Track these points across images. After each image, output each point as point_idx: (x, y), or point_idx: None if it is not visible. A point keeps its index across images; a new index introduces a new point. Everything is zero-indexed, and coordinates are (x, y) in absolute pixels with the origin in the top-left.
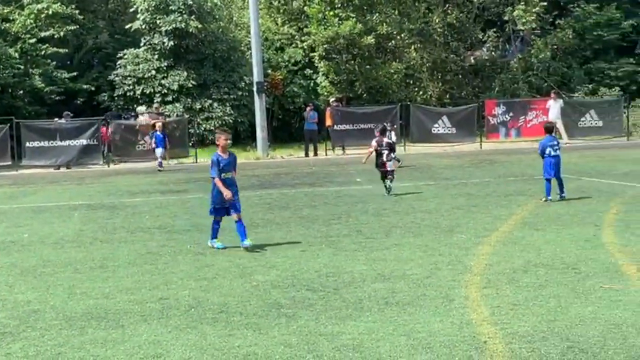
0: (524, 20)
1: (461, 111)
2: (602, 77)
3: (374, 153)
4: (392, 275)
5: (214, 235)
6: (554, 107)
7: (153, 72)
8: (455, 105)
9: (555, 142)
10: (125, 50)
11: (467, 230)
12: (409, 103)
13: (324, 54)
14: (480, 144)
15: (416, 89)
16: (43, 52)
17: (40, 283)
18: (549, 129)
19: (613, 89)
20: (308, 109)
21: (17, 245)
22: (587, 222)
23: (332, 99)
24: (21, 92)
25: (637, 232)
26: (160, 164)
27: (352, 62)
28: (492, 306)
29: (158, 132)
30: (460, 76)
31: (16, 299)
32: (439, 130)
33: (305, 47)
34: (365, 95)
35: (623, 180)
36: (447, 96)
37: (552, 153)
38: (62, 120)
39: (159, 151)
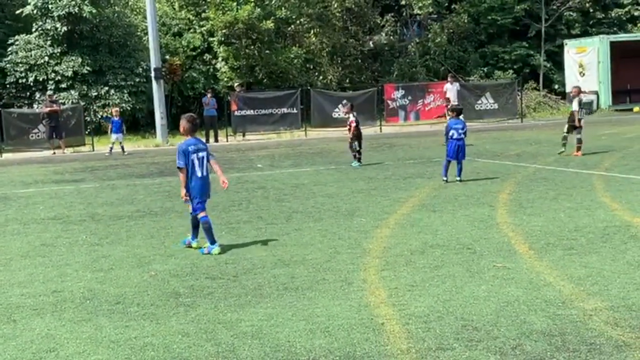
0: (420, 4)
1: (361, 95)
2: (496, 61)
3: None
4: (291, 261)
5: (213, 239)
6: (450, 91)
7: (46, 58)
8: (355, 89)
9: (461, 126)
10: (16, 37)
11: (366, 214)
12: (309, 88)
13: (223, 39)
14: (380, 128)
15: (316, 73)
16: None
17: None
18: (458, 111)
19: (507, 72)
20: (208, 95)
21: None
22: (482, 202)
23: (236, 84)
24: None
25: (529, 211)
26: (111, 150)
27: (252, 47)
28: (389, 288)
29: (115, 118)
30: (359, 61)
31: None
32: (339, 114)
33: (204, 32)
34: (265, 80)
35: (516, 161)
36: (347, 80)
37: (455, 136)
38: None
39: (114, 136)
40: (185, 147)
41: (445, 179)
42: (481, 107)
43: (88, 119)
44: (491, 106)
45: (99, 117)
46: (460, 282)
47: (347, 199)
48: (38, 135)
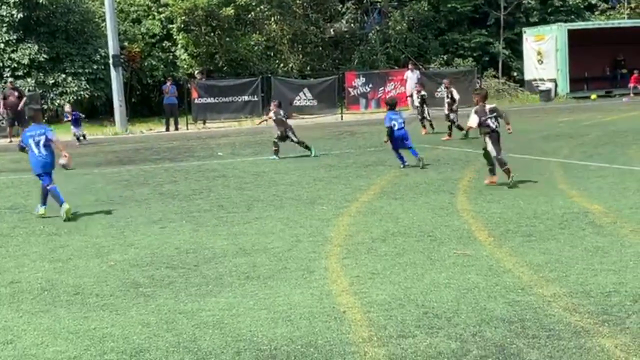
0: None
1: (322, 83)
2: (456, 48)
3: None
4: (253, 250)
5: (61, 200)
6: (411, 79)
7: (2, 45)
8: (316, 77)
9: (399, 117)
10: None
11: (327, 202)
12: (270, 75)
13: (182, 26)
14: (341, 116)
15: (277, 61)
16: None
17: None
18: (393, 104)
19: (467, 60)
20: (168, 82)
21: None
22: (443, 190)
23: (196, 72)
24: None
25: (489, 198)
26: (79, 139)
27: (212, 34)
28: (351, 276)
29: (68, 115)
30: (320, 48)
31: None
32: (300, 102)
33: (163, 18)
34: (226, 67)
35: (476, 149)
36: (308, 68)
37: (397, 126)
38: None
39: (76, 130)
40: (25, 133)
41: (403, 165)
42: (441, 94)
43: (45, 107)
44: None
45: (57, 105)
46: (421, 270)
47: (308, 187)
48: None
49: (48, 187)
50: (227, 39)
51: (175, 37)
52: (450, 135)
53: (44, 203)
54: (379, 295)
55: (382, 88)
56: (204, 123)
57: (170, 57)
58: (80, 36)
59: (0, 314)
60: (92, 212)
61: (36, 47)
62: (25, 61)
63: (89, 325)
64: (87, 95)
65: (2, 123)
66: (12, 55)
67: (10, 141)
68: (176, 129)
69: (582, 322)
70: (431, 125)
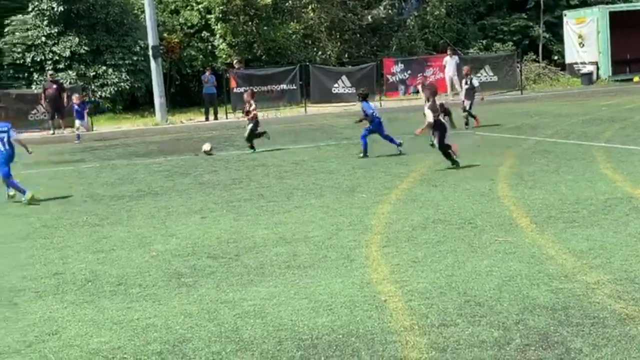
0: None
1: (360, 70)
2: (495, 33)
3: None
4: (293, 239)
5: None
6: (450, 64)
7: (43, 38)
8: (354, 64)
9: (370, 108)
10: (12, 17)
11: (367, 190)
12: (308, 63)
13: (220, 15)
14: (380, 103)
15: (315, 49)
16: None
17: None
18: (364, 95)
19: (506, 44)
20: (207, 72)
21: None
22: (483, 176)
23: (235, 61)
24: None
25: (531, 184)
26: (78, 137)
27: (250, 23)
28: (392, 264)
29: (75, 105)
30: (358, 35)
31: None
32: (338, 90)
33: (201, 9)
34: (264, 56)
35: (517, 134)
36: (346, 55)
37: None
38: None
39: (77, 122)
40: None
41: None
42: (481, 79)
43: (86, 99)
44: (490, 78)
45: (98, 97)
46: (462, 258)
47: (348, 175)
48: (37, 116)
49: (10, 181)
50: (265, 28)
51: (213, 27)
52: (477, 120)
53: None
54: (419, 283)
55: (421, 74)
56: (243, 112)
57: (209, 47)
58: (119, 28)
59: (45, 304)
60: (134, 203)
61: (77, 39)
62: (67, 54)
63: (132, 315)
64: (127, 87)
65: (45, 116)
66: (54, 48)
67: (53, 133)
68: (215, 118)
69: (626, 309)
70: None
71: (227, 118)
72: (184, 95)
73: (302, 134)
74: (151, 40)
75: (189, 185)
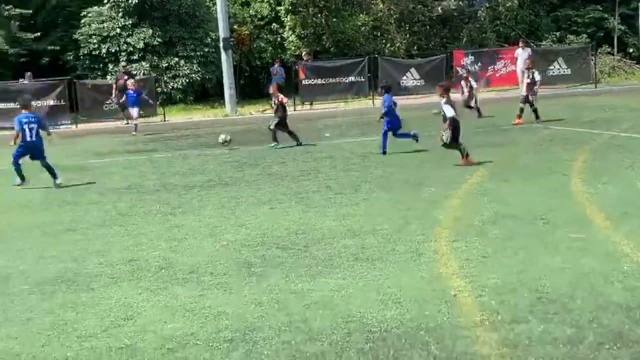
0: None
1: (429, 62)
2: (569, 25)
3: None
4: (361, 231)
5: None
6: (522, 56)
7: (118, 30)
8: (423, 56)
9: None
10: (89, 9)
11: (436, 184)
12: (377, 56)
13: (290, 8)
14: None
15: (384, 41)
16: (6, 14)
17: (9, 247)
18: (387, 88)
19: (580, 37)
20: (276, 64)
21: None
22: (556, 171)
23: (304, 53)
24: None
25: (605, 180)
26: (136, 127)
27: (319, 15)
28: (461, 259)
29: (131, 92)
30: (428, 27)
31: None
32: (407, 82)
33: (272, 1)
34: (332, 49)
35: (591, 128)
36: (415, 48)
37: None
38: (25, 82)
39: (134, 112)
40: (20, 119)
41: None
42: (553, 72)
43: (159, 90)
44: (564, 72)
45: (170, 88)
46: (534, 254)
47: (416, 168)
48: (111, 106)
49: (15, 164)
50: (335, 20)
51: (283, 19)
52: (521, 117)
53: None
54: (490, 279)
55: (492, 67)
56: (311, 104)
57: (279, 39)
58: (192, 20)
59: (121, 290)
60: (205, 193)
61: (150, 31)
62: (140, 45)
63: (204, 303)
64: (198, 78)
65: (118, 107)
66: (128, 40)
67: (127, 123)
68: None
69: None
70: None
71: (295, 110)
72: (254, 87)
73: (369, 126)
74: (222, 32)
75: (258, 176)
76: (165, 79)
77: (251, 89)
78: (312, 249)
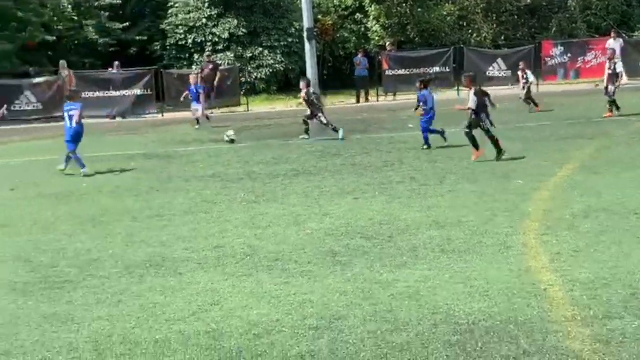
0: None
1: (517, 53)
2: None
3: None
4: (447, 223)
5: (83, 165)
6: (613, 48)
7: (204, 20)
8: (510, 46)
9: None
10: None
11: (523, 176)
12: (462, 46)
13: None
14: (537, 87)
15: (470, 31)
16: (96, 4)
17: (99, 232)
18: (426, 83)
19: None
20: (359, 54)
21: (76, 194)
22: None
23: (388, 43)
24: (76, 43)
25: None
26: (198, 121)
27: (404, 5)
28: (551, 253)
29: (192, 86)
30: (515, 17)
31: (76, 248)
32: (494, 73)
33: None
34: (417, 39)
35: None
36: (502, 38)
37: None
38: (114, 71)
39: (197, 106)
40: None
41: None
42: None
43: (243, 79)
44: None
45: (254, 78)
46: (627, 249)
47: (503, 160)
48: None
49: (74, 155)
50: (419, 9)
51: (367, 9)
52: (612, 111)
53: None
54: (582, 273)
55: (582, 57)
56: (395, 95)
57: (362, 29)
58: (276, 10)
59: (207, 276)
60: (288, 182)
61: (235, 21)
62: (225, 35)
63: (289, 290)
64: (281, 68)
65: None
66: (214, 30)
67: (211, 112)
68: (367, 100)
69: None
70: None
71: (377, 101)
72: (336, 77)
73: (454, 117)
74: (306, 22)
75: (341, 166)
76: (249, 68)
77: (334, 80)
78: (397, 239)
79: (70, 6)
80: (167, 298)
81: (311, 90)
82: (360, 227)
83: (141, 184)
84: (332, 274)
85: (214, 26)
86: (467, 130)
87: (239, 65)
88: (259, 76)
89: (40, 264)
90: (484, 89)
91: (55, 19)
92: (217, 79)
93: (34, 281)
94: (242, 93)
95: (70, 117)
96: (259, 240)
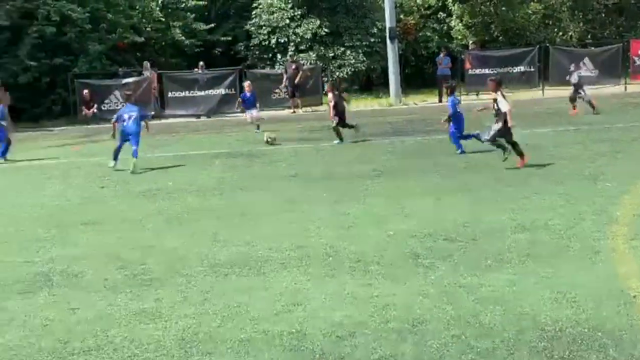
0: None
1: (604, 52)
2: None
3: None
4: (532, 226)
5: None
6: None
7: (287, 20)
8: (597, 45)
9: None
10: (259, 0)
11: (612, 178)
12: (547, 45)
13: None
14: (625, 86)
15: (555, 29)
16: (183, 5)
17: (185, 230)
18: (452, 89)
19: None
20: (441, 54)
21: (163, 192)
22: None
23: (470, 43)
24: (163, 44)
25: None
26: (258, 127)
27: (488, 3)
28: None
29: (248, 93)
30: (603, 15)
31: (163, 246)
32: (580, 72)
33: None
34: (501, 37)
35: None
36: (589, 36)
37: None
38: (199, 71)
39: (252, 113)
40: (121, 110)
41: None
42: None
43: (325, 79)
44: None
45: (335, 77)
46: None
47: (590, 161)
48: (279, 95)
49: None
50: (504, 8)
51: (450, 8)
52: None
53: (117, 159)
54: None
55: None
56: (477, 94)
57: (445, 28)
58: (358, 10)
59: (290, 276)
60: (370, 182)
61: (318, 21)
62: (308, 36)
63: (371, 292)
64: (363, 68)
65: (286, 95)
66: (297, 30)
67: (293, 112)
68: (442, 99)
69: None
70: None
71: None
72: (418, 76)
73: (539, 117)
74: (388, 21)
75: (422, 166)
76: (331, 68)
77: (415, 79)
78: (481, 242)
79: (158, 8)
80: (250, 298)
81: (336, 92)
82: (443, 229)
83: (225, 183)
84: (415, 276)
85: (296, 26)
86: (492, 140)
87: (321, 64)
88: (340, 75)
89: (128, 261)
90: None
91: (144, 20)
92: (297, 79)
93: (123, 278)
94: (324, 92)
95: (129, 118)
96: (341, 240)
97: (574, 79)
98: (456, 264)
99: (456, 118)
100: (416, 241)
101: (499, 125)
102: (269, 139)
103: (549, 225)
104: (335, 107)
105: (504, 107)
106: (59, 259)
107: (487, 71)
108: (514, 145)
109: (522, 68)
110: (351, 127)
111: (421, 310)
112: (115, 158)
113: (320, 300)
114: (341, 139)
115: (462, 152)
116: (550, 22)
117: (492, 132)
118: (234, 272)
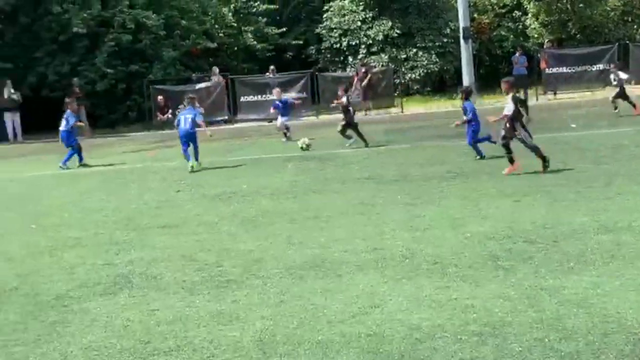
0: None
1: None
2: None
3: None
4: (616, 227)
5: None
6: None
7: (358, 23)
8: None
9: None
10: (331, 3)
11: None
12: (627, 42)
13: None
14: None
15: (635, 26)
16: (254, 10)
17: (260, 232)
18: (468, 93)
19: None
20: (517, 53)
21: (237, 195)
22: None
23: (547, 41)
24: (235, 49)
25: None
26: (286, 135)
27: (565, 1)
28: None
29: (277, 101)
30: None
31: (238, 248)
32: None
33: None
34: (578, 35)
35: None
36: None
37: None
38: (270, 75)
39: (282, 120)
40: (180, 113)
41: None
42: None
43: (397, 81)
44: None
45: (407, 79)
46: None
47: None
48: (350, 98)
49: (185, 150)
50: (581, 5)
51: (526, 6)
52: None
53: (189, 159)
54: None
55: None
56: (555, 94)
57: (520, 26)
58: (431, 10)
59: (366, 278)
60: (445, 184)
61: (389, 23)
62: (380, 37)
63: (450, 295)
64: (436, 69)
65: (358, 97)
66: (368, 32)
67: (365, 114)
68: (525, 99)
69: None
70: None
71: (537, 100)
72: (493, 76)
73: (619, 117)
74: (462, 21)
75: (498, 167)
76: (403, 69)
77: (490, 79)
78: (562, 244)
79: (230, 13)
80: (327, 300)
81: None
82: (522, 231)
83: (298, 186)
84: (494, 278)
85: (368, 28)
86: (504, 142)
87: (393, 66)
88: (413, 77)
89: (205, 263)
90: (521, 97)
91: (216, 26)
92: (365, 81)
93: (200, 280)
94: (396, 94)
95: (185, 120)
96: (417, 243)
97: (619, 79)
98: (537, 266)
99: (475, 123)
100: (495, 243)
101: (507, 127)
102: (303, 145)
103: (633, 227)
104: (347, 110)
105: (507, 110)
106: (138, 261)
107: (564, 70)
108: (508, 149)
109: (600, 66)
110: (348, 137)
111: (502, 313)
112: (188, 159)
113: (397, 302)
114: (366, 143)
115: (482, 157)
116: (630, 19)
117: (525, 139)
118: (310, 274)
